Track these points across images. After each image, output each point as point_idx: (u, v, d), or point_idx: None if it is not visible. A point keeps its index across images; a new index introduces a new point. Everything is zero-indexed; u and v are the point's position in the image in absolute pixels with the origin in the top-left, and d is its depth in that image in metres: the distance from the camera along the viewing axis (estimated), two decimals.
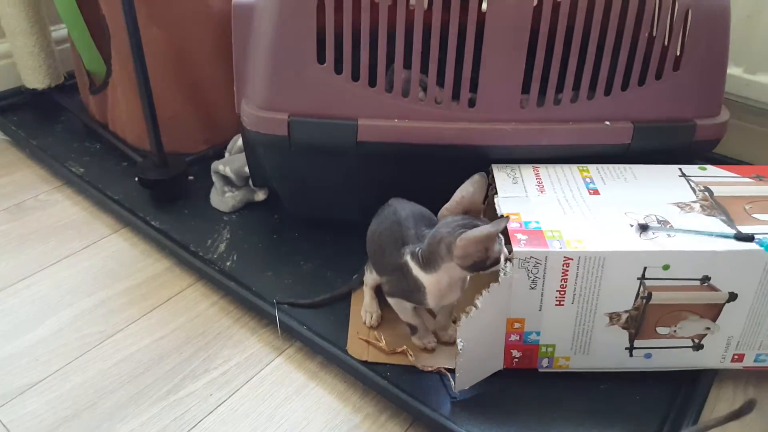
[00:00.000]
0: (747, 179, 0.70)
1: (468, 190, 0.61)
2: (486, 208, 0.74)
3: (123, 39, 0.80)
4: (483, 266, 0.58)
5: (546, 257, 0.59)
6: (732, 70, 0.94)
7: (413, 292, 0.62)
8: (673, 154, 0.74)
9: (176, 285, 0.79)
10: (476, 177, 0.62)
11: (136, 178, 0.89)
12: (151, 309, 0.76)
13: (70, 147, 1.01)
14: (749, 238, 0.59)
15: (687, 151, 0.75)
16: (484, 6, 0.66)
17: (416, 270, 0.60)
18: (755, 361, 0.65)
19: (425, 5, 0.66)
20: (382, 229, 0.65)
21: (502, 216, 0.61)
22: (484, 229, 0.56)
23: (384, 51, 0.68)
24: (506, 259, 0.58)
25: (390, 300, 0.66)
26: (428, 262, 0.59)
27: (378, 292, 0.72)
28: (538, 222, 0.62)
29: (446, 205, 0.62)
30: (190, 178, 0.92)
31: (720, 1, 0.70)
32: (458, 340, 0.60)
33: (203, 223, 0.86)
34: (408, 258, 0.61)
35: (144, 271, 0.81)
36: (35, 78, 1.07)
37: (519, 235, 0.60)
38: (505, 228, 0.59)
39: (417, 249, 0.60)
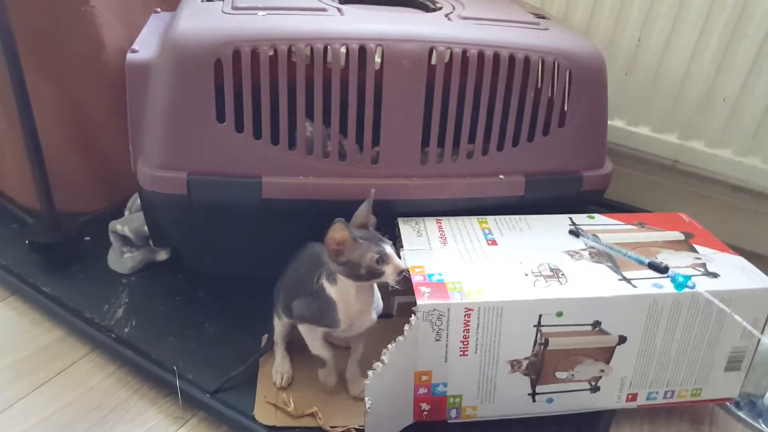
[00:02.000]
0: (631, 226, 0.75)
1: (360, 208, 0.64)
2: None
3: (8, 94, 0.76)
4: (358, 274, 0.59)
5: (448, 309, 0.60)
6: (616, 123, 1.02)
7: (324, 311, 0.63)
8: (563, 203, 0.79)
9: (69, 356, 0.74)
10: (368, 198, 0.64)
11: (27, 242, 0.83)
12: (40, 384, 0.70)
13: None
14: (665, 269, 0.65)
15: (576, 200, 0.80)
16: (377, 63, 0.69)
17: (327, 287, 0.62)
18: (647, 399, 0.69)
19: (323, 63, 0.67)
20: (301, 266, 0.67)
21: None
22: (333, 225, 0.58)
23: (285, 108, 0.68)
24: (400, 272, 0.60)
25: (301, 328, 0.66)
26: (330, 275, 0.62)
27: (289, 350, 0.71)
28: (440, 274, 0.64)
29: None
30: (87, 238, 0.88)
31: (596, 62, 0.77)
32: (366, 399, 0.59)
33: (100, 288, 0.81)
34: (323, 279, 0.63)
35: (33, 343, 0.75)
36: None
37: (423, 288, 0.62)
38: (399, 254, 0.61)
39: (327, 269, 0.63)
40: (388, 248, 0.60)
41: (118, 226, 0.83)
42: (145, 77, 0.69)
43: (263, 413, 0.66)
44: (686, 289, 0.63)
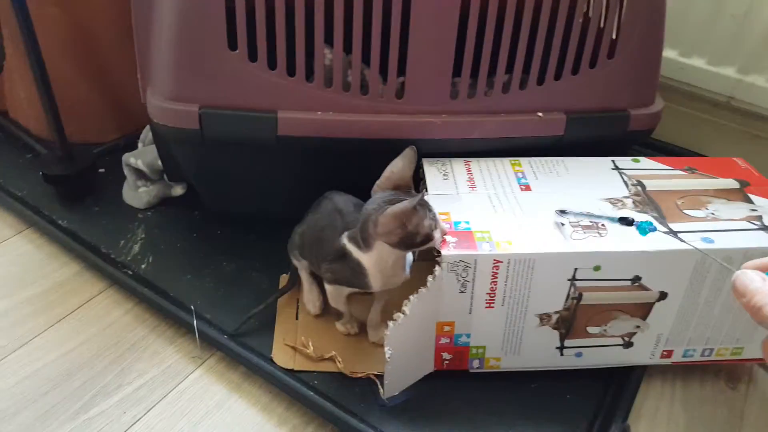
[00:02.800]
0: (679, 172, 0.69)
1: (397, 165, 0.59)
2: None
3: (13, 17, 0.71)
4: (412, 243, 0.55)
5: (476, 260, 0.56)
6: (667, 53, 0.93)
7: (356, 276, 0.59)
8: (606, 145, 0.72)
9: (86, 291, 0.73)
10: (407, 151, 0.59)
11: (40, 173, 0.81)
12: (59, 319, 0.69)
13: None
14: (630, 222, 0.59)
15: (621, 141, 0.73)
16: None
17: (356, 252, 0.58)
18: (684, 356, 0.65)
19: None
20: (321, 220, 0.63)
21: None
22: (401, 204, 0.54)
23: (302, 33, 0.62)
24: (443, 234, 0.57)
25: (328, 287, 0.64)
26: (363, 241, 0.57)
27: (316, 276, 0.69)
28: (468, 222, 0.59)
29: (377, 182, 0.60)
30: (101, 170, 0.85)
31: None
32: (386, 348, 0.57)
33: (115, 222, 0.79)
34: (346, 241, 0.59)
35: (50, 277, 0.74)
36: None
37: (448, 237, 0.57)
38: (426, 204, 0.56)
39: (353, 231, 0.59)
40: (435, 210, 0.56)
41: (131, 158, 0.80)
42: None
43: (281, 356, 0.64)
44: (660, 236, 0.58)
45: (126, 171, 0.81)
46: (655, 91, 0.74)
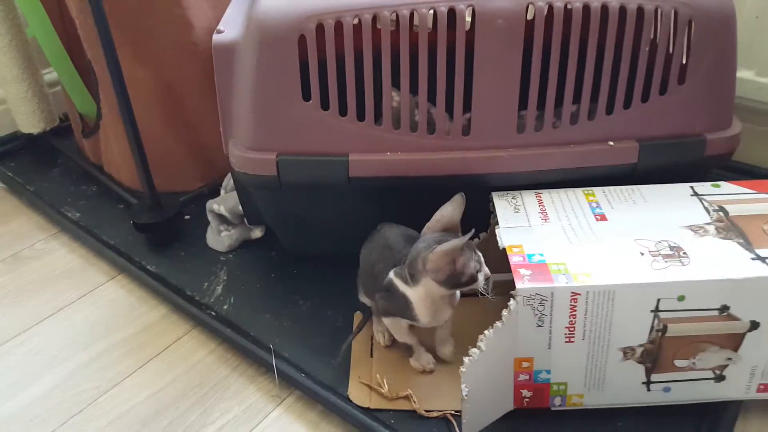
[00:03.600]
0: (764, 195, 0.66)
1: (447, 209, 0.62)
2: (489, 236, 0.72)
3: (109, 81, 0.78)
4: (458, 282, 0.58)
5: (552, 293, 0.56)
6: (743, 74, 0.90)
7: (403, 308, 0.62)
8: (683, 171, 0.70)
9: (173, 333, 0.77)
10: (456, 197, 0.62)
11: (131, 222, 0.87)
12: (148, 360, 0.73)
13: (66, 191, 1.00)
14: None
15: (698, 167, 0.71)
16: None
17: (402, 286, 0.61)
18: None
19: (408, 28, 0.63)
20: (373, 255, 0.66)
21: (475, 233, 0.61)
22: (451, 242, 0.56)
23: (370, 81, 0.65)
24: (486, 277, 0.59)
25: (385, 320, 0.66)
26: (411, 277, 0.60)
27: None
28: (542, 254, 0.59)
29: (428, 224, 0.63)
30: (186, 217, 0.90)
31: (725, 8, 0.67)
32: (463, 386, 0.57)
33: (199, 265, 0.84)
34: (393, 276, 0.62)
35: (140, 320, 0.79)
36: (30, 123, 1.06)
37: (522, 270, 0.57)
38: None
39: (400, 268, 0.62)
40: (480, 253, 0.59)
41: (215, 205, 0.85)
42: (231, 58, 0.68)
43: (357, 394, 0.65)
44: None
45: (209, 217, 0.86)
46: (731, 114, 0.71)
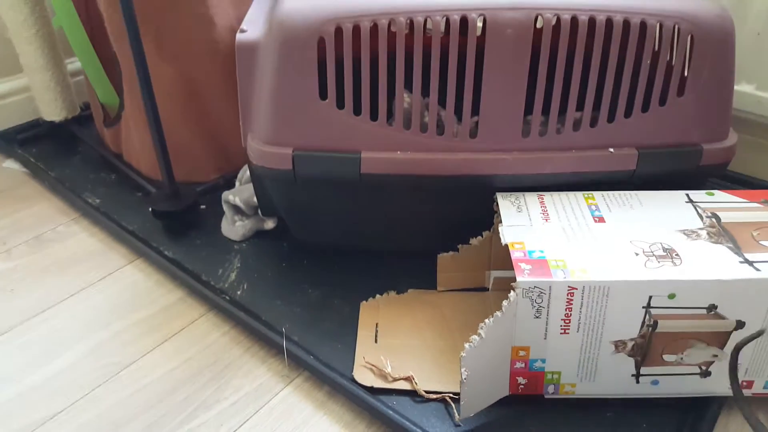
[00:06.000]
0: (755, 204, 0.69)
1: None
2: (492, 235, 0.75)
3: (133, 74, 0.82)
4: None
5: (550, 287, 0.59)
6: (743, 87, 0.93)
7: None
8: (679, 179, 0.74)
9: (189, 315, 0.81)
10: None
11: (150, 209, 0.91)
12: (165, 339, 0.77)
13: (87, 178, 1.04)
14: None
15: (693, 175, 0.74)
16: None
17: None
18: (765, 387, 0.64)
19: (422, 32, 0.67)
20: None
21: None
22: None
23: (384, 83, 0.69)
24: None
25: None
26: None
27: (396, 308, 0.73)
28: (542, 251, 0.63)
29: None
30: (202, 207, 0.94)
31: (724, 25, 0.70)
32: (462, 370, 0.60)
33: (214, 253, 0.87)
34: None
35: (158, 302, 0.83)
36: (52, 110, 1.10)
37: (523, 265, 0.61)
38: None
39: None
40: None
41: (230, 196, 0.88)
42: (253, 57, 0.72)
43: (362, 374, 0.69)
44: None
45: (225, 207, 0.90)
46: (728, 126, 0.75)
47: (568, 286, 0.59)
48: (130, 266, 0.89)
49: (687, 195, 0.71)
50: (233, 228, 0.89)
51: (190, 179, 0.96)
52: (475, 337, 0.60)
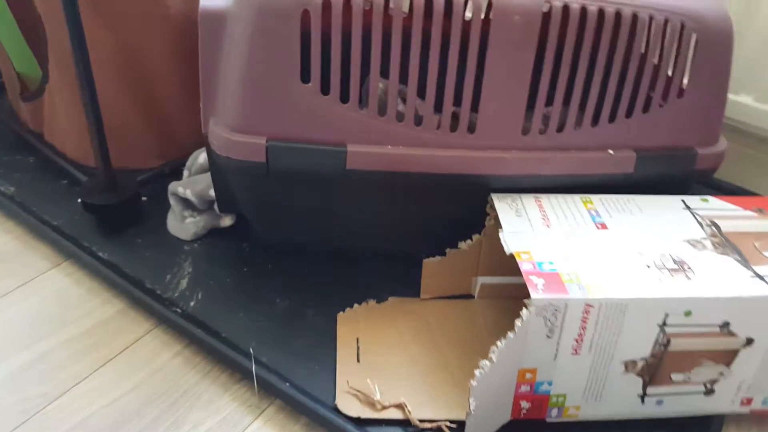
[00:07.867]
0: (750, 212, 0.67)
1: None
2: (483, 239, 0.69)
3: (62, 41, 0.69)
4: None
5: (566, 305, 0.54)
6: (742, 99, 0.93)
7: None
8: (671, 182, 0.71)
9: (132, 332, 0.69)
10: None
11: (79, 200, 0.77)
12: (104, 362, 0.65)
13: None
14: None
15: (685, 180, 0.72)
16: (468, 15, 0.60)
17: None
18: (763, 403, 0.63)
19: (422, 13, 0.59)
20: None
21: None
22: None
23: (377, 67, 0.60)
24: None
25: None
26: None
27: (379, 333, 0.66)
28: (552, 263, 0.57)
29: None
30: (144, 198, 0.81)
31: (725, 26, 0.68)
32: (471, 400, 0.54)
33: (160, 254, 0.75)
34: None
35: (92, 315, 0.70)
36: None
37: (534, 279, 0.55)
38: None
39: None
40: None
41: (179, 188, 0.76)
42: (220, 29, 0.61)
43: (346, 402, 0.61)
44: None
45: (172, 201, 0.78)
46: (719, 131, 0.73)
47: (586, 304, 0.54)
48: (55, 270, 0.75)
49: (683, 201, 0.68)
50: (183, 225, 0.77)
51: (128, 165, 0.83)
52: (485, 362, 0.54)
